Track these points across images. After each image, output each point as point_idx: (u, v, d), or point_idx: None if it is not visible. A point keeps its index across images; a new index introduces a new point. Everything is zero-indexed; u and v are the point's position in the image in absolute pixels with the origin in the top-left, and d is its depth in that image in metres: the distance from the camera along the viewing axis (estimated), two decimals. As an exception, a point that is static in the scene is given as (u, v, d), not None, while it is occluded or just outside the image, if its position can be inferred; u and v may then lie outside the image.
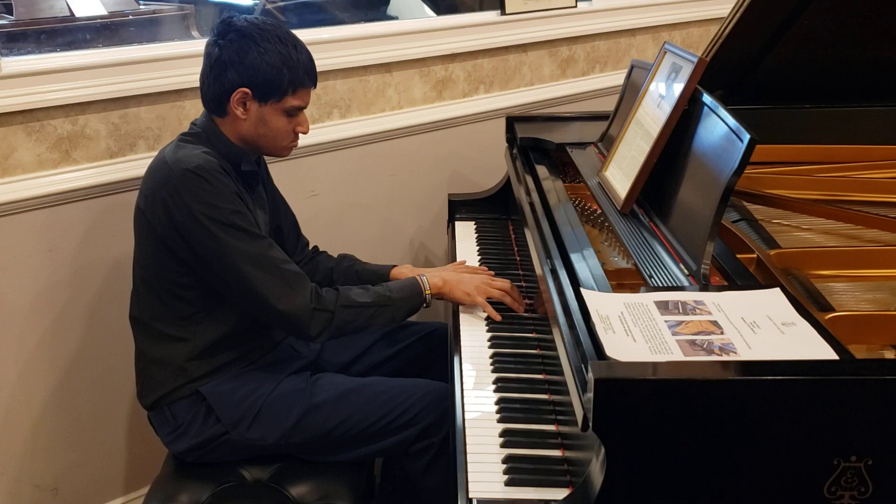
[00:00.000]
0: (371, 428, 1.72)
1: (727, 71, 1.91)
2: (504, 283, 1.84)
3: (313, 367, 1.88)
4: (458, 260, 2.07)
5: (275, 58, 1.65)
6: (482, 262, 2.08)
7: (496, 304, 1.81)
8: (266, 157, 1.90)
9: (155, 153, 2.04)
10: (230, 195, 1.64)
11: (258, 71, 1.65)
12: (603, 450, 1.05)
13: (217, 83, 1.67)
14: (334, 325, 1.69)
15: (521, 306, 1.81)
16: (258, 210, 1.79)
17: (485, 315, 1.81)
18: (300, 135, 1.77)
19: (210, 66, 1.68)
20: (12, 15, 3.22)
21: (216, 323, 1.74)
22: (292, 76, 1.68)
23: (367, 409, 1.73)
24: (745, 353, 1.10)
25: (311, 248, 2.08)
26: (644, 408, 1.03)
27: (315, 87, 1.76)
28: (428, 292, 1.80)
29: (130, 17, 3.28)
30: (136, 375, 1.81)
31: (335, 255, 2.07)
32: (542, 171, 2.03)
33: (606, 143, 1.99)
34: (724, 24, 1.84)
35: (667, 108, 1.61)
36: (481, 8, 2.74)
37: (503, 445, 1.40)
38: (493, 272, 1.92)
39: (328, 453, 1.75)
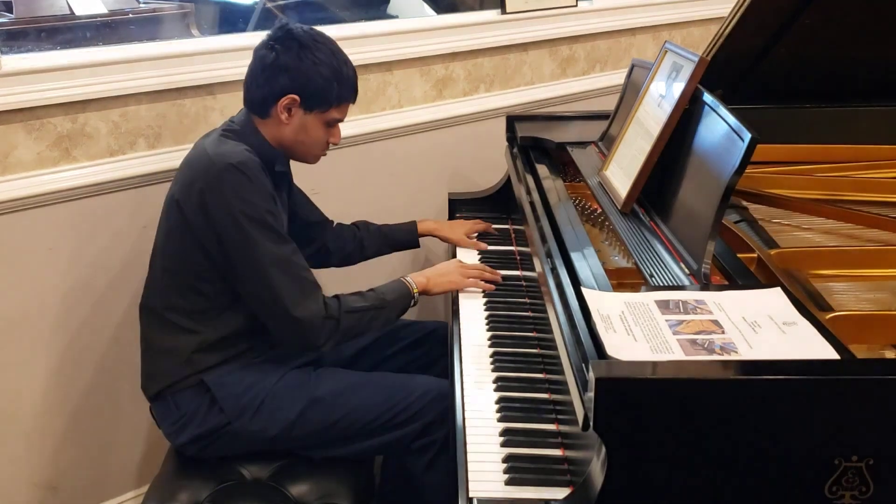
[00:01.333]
0: (373, 423, 1.72)
1: (727, 70, 1.91)
2: (476, 264, 2.00)
3: (316, 363, 1.88)
4: (458, 258, 2.08)
5: (328, 70, 1.70)
6: (482, 261, 2.08)
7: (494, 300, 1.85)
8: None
9: (155, 151, 2.06)
10: (267, 195, 1.68)
11: (311, 80, 1.70)
12: (604, 449, 1.05)
13: (267, 85, 1.71)
14: (340, 332, 1.72)
15: (497, 276, 1.94)
16: (283, 213, 1.82)
17: (485, 314, 1.82)
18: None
19: (262, 68, 1.72)
20: (12, 13, 3.21)
21: (228, 320, 1.76)
22: (340, 90, 1.73)
23: (369, 403, 1.74)
24: (746, 353, 1.10)
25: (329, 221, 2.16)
26: (645, 407, 1.03)
27: (354, 104, 1.81)
28: (415, 291, 1.84)
29: (130, 15, 3.26)
30: (142, 365, 1.82)
31: (347, 225, 2.16)
32: (542, 170, 2.03)
33: (607, 143, 1.99)
34: (725, 24, 1.84)
35: (667, 107, 1.61)
36: (482, 7, 2.74)
37: (503, 445, 1.40)
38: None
39: (329, 448, 1.76)
